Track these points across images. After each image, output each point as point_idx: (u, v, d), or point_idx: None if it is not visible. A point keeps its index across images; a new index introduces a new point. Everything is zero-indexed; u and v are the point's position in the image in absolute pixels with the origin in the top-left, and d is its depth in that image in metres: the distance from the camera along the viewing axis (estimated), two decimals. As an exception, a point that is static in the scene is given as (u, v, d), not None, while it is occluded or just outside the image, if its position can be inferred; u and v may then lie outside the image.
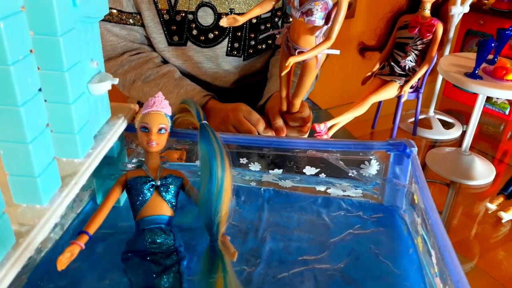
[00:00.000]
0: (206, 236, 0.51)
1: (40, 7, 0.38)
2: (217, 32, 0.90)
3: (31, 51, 0.36)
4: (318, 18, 0.57)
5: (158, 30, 0.88)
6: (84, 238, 0.45)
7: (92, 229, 0.46)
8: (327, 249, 0.55)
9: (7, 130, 0.36)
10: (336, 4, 0.56)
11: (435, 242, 0.45)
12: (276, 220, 0.60)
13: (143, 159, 0.54)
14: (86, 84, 0.48)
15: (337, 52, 0.62)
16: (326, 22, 0.58)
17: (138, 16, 0.88)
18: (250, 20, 0.92)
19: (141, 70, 0.88)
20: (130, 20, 0.87)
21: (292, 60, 0.59)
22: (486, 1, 1.11)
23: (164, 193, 0.50)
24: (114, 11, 0.85)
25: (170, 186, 0.51)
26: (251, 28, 0.93)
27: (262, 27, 0.95)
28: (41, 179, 0.39)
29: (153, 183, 0.50)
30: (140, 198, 0.49)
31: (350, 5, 0.57)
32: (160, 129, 0.52)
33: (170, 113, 0.55)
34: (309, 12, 0.57)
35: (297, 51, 0.62)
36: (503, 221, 0.72)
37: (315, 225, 0.60)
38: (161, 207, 0.50)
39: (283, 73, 0.63)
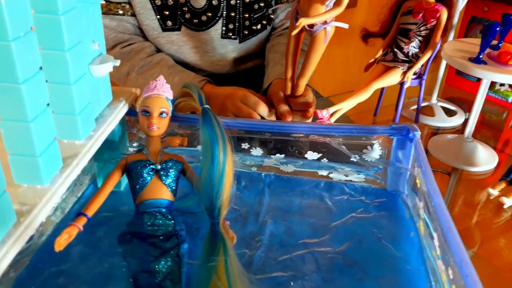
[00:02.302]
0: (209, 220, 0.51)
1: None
2: (210, 14, 0.89)
3: (32, 28, 0.36)
4: None
5: (150, 16, 0.87)
6: (83, 220, 0.45)
7: (91, 211, 0.46)
8: (329, 232, 0.55)
9: (8, 108, 0.36)
10: None
11: (438, 225, 0.45)
12: (277, 204, 0.60)
13: (144, 144, 0.54)
14: (88, 65, 0.48)
15: (346, 26, 0.62)
16: None
17: (128, 6, 0.86)
18: (243, 0, 0.91)
19: (133, 61, 0.87)
20: (120, 11, 0.86)
21: (303, 21, 0.59)
22: (490, -12, 1.10)
23: (164, 177, 0.50)
24: (102, 1, 0.84)
25: (170, 170, 0.51)
26: (245, 8, 0.92)
27: (256, 6, 0.94)
28: (42, 159, 0.39)
29: (153, 166, 0.50)
30: (140, 182, 0.49)
31: None
32: (161, 113, 0.52)
33: (171, 97, 0.54)
34: None
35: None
36: (505, 206, 0.72)
37: (316, 209, 0.60)
38: (161, 191, 0.50)
39: (294, 33, 0.63)
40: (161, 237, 0.47)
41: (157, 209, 0.49)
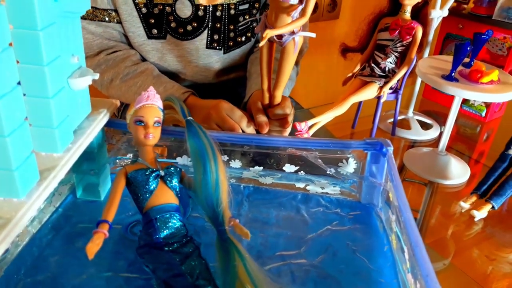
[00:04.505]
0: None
1: (20, 1, 0.38)
2: (195, 24, 0.90)
3: (10, 44, 0.36)
4: None
5: (136, 24, 0.88)
6: (106, 226, 0.46)
7: (110, 217, 0.47)
8: (304, 244, 0.56)
9: (-15, 123, 0.36)
10: None
11: (407, 239, 0.46)
12: (255, 216, 0.61)
13: (135, 156, 0.54)
14: (66, 78, 0.48)
15: (313, 35, 0.64)
16: (301, 2, 0.60)
17: (114, 13, 0.87)
18: (229, 11, 0.93)
19: (118, 69, 0.87)
20: (106, 18, 0.86)
21: (269, 32, 0.60)
22: (465, 6, 1.14)
23: (169, 182, 0.51)
24: (82, 14, 0.85)
25: (173, 175, 0.52)
26: (230, 20, 0.94)
27: (241, 18, 0.95)
28: (19, 173, 0.39)
29: (158, 173, 0.51)
30: (146, 189, 0.50)
31: None
32: (155, 122, 0.53)
33: (162, 107, 0.55)
34: None
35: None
36: (476, 219, 0.74)
37: (293, 221, 0.61)
38: (168, 196, 0.51)
39: (261, 44, 0.64)
40: (177, 244, 0.48)
41: (167, 214, 0.50)
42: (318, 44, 1.83)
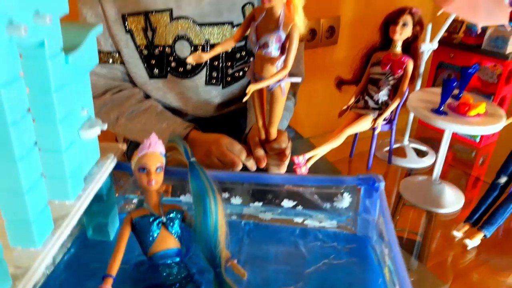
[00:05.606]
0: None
1: (36, 70, 0.42)
2: (194, 63, 0.95)
3: (28, 110, 0.40)
4: (274, 49, 0.62)
5: (138, 64, 0.93)
6: (110, 281, 0.50)
7: (114, 270, 0.51)
8: (302, 280, 0.59)
9: (4, 181, 0.40)
10: (289, 36, 0.61)
11: (396, 275, 0.49)
12: (255, 253, 0.64)
13: (141, 198, 0.58)
14: (77, 131, 0.52)
15: (299, 79, 0.67)
16: (282, 53, 0.63)
17: (117, 55, 0.92)
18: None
19: (123, 107, 0.91)
20: (110, 60, 0.91)
21: (252, 87, 0.62)
22: (455, 36, 1.18)
23: (170, 228, 0.55)
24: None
25: (175, 220, 0.56)
26: (227, 57, 0.98)
27: (238, 55, 1.00)
28: (36, 224, 0.43)
29: (160, 219, 0.55)
30: (149, 236, 0.54)
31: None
32: (157, 168, 0.56)
33: (164, 152, 0.59)
34: (265, 45, 0.62)
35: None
36: (468, 248, 0.76)
37: (292, 256, 0.63)
38: (170, 241, 0.55)
39: (245, 99, 0.66)
40: (179, 284, 0.52)
41: (170, 260, 0.53)
42: (318, 69, 1.87)
